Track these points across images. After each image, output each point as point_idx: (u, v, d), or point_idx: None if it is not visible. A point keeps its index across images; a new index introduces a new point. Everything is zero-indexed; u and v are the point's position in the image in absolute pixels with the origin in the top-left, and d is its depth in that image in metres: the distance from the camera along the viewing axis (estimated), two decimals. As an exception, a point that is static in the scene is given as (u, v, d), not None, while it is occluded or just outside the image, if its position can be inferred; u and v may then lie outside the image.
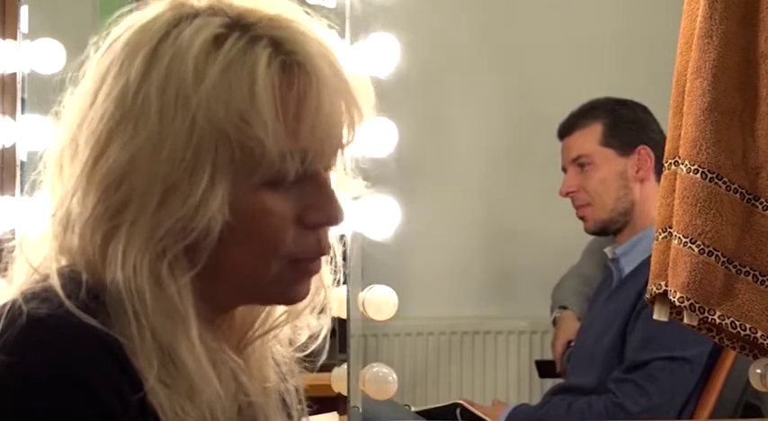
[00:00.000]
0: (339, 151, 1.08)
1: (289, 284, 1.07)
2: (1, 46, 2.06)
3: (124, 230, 1.00)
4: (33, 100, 2.06)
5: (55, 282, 1.00)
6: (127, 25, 1.06)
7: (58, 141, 1.07)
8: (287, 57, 1.02)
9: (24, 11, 2.08)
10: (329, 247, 1.09)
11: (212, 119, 0.99)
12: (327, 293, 1.15)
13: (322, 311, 1.16)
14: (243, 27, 1.03)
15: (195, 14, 1.04)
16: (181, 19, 1.04)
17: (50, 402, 0.94)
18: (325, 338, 1.21)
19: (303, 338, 1.19)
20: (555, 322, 3.30)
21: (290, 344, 1.19)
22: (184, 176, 1.00)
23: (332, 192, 1.07)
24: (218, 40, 1.02)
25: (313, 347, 1.21)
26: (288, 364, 1.19)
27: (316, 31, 1.07)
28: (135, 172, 1.00)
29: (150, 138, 1.00)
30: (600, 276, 3.43)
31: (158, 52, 1.02)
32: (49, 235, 1.05)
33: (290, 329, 1.17)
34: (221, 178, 1.00)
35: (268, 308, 1.14)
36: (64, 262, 1.04)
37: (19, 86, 2.05)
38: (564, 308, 3.31)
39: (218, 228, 1.00)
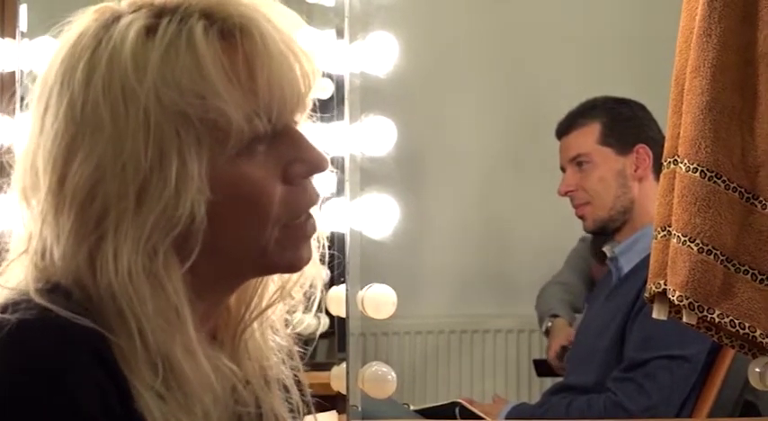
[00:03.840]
0: (302, 102, 1.07)
1: (290, 249, 1.07)
2: (0, 44, 2.06)
3: (110, 238, 1.00)
4: (27, 105, 2.05)
5: (35, 295, 0.99)
6: (58, 47, 1.06)
7: (17, 173, 1.06)
8: (223, 23, 1.02)
9: (23, 9, 2.08)
10: (318, 196, 1.09)
11: (165, 104, 0.99)
12: (315, 271, 1.15)
13: (312, 286, 1.16)
14: (170, 11, 1.03)
15: (120, 15, 1.04)
16: (108, 24, 1.04)
17: (26, 398, 0.93)
18: (306, 329, 1.21)
19: (297, 317, 1.19)
20: (547, 331, 3.32)
21: (286, 324, 1.19)
22: (154, 169, 0.99)
23: (308, 141, 1.07)
24: (150, 30, 1.02)
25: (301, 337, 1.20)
26: (287, 347, 1.19)
27: None
28: (104, 180, 1.00)
29: (109, 142, 1.00)
30: (579, 284, 3.46)
31: (95, 59, 1.02)
32: (28, 266, 1.04)
33: (284, 307, 1.18)
34: (192, 160, 1.00)
35: (261, 287, 1.14)
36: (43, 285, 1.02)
37: (18, 85, 2.05)
38: (555, 316, 3.33)
39: (202, 210, 1.00)
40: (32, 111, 1.06)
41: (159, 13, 1.03)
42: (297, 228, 1.07)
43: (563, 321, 3.33)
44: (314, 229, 1.09)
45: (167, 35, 1.01)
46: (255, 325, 1.15)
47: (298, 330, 1.21)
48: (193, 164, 1.00)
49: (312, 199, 1.08)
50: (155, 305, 0.99)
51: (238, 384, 1.09)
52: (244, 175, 1.03)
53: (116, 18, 1.04)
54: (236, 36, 1.02)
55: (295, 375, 1.19)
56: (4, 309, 0.98)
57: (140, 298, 0.99)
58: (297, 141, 1.06)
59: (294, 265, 1.10)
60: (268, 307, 1.15)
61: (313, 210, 1.09)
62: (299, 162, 1.06)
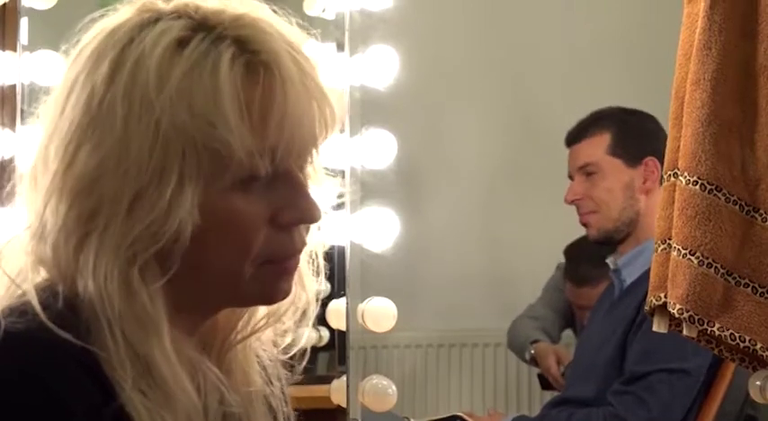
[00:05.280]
0: (312, 150, 1.07)
1: (267, 284, 1.07)
2: (1, 57, 2.06)
3: (95, 237, 1.00)
4: (33, 111, 2.06)
5: (32, 295, 1.00)
6: (95, 32, 1.06)
7: (31, 152, 1.07)
8: (251, 56, 1.02)
9: (24, 22, 2.09)
10: (303, 245, 1.08)
11: (176, 122, 0.99)
12: (310, 297, 1.15)
13: (304, 314, 1.16)
14: (207, 29, 1.03)
15: (158, 18, 1.04)
16: (145, 23, 1.03)
17: (20, 418, 0.94)
18: (306, 342, 1.20)
19: (287, 340, 1.18)
20: (533, 359, 3.34)
21: (275, 345, 1.19)
22: (152, 181, 0.99)
23: (305, 189, 1.07)
24: (181, 43, 1.01)
25: (296, 351, 1.20)
26: (273, 367, 1.19)
27: (282, 30, 1.06)
28: (104, 178, 1.00)
29: (116, 143, 1.00)
30: (553, 317, 3.48)
31: (122, 58, 1.02)
32: (26, 247, 1.05)
33: (273, 332, 1.17)
34: (190, 182, 1.00)
35: (249, 311, 1.14)
36: (42, 273, 1.04)
37: (18, 98, 2.06)
38: (536, 341, 3.34)
39: (188, 233, 1.00)
40: (57, 94, 1.06)
41: (196, 28, 1.03)
42: (277, 264, 1.07)
43: (545, 344, 3.35)
44: (295, 267, 1.09)
45: (195, 54, 1.01)
46: (240, 347, 1.15)
47: (299, 345, 1.20)
48: (190, 185, 1.00)
49: (296, 246, 1.07)
50: (124, 308, 0.99)
51: (226, 393, 1.08)
52: (233, 210, 1.02)
53: (156, 19, 1.04)
54: (259, 73, 1.01)
55: (282, 394, 1.19)
56: (4, 313, 0.99)
57: (111, 300, 0.99)
58: (293, 187, 1.05)
59: (271, 298, 1.10)
60: (254, 332, 1.15)
61: (296, 254, 1.08)
62: (291, 208, 1.05)
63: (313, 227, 1.11)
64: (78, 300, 1.00)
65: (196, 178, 1.00)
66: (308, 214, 1.06)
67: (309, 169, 1.09)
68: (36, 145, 1.06)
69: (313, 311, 1.16)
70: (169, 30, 1.02)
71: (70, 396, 0.95)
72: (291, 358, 1.21)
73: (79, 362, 0.97)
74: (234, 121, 0.99)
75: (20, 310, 0.99)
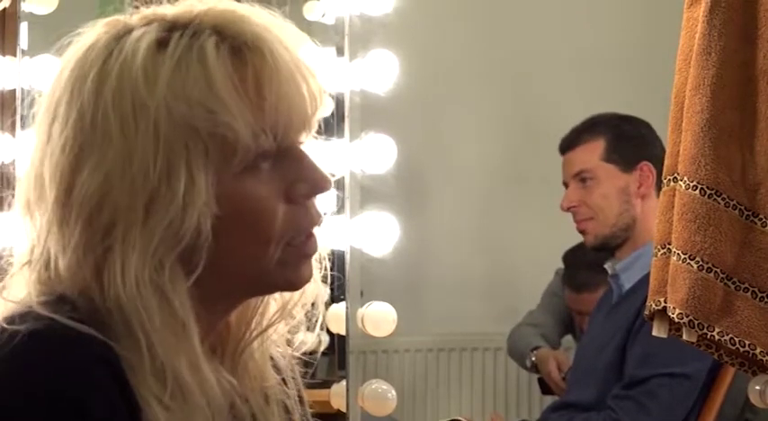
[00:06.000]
0: (309, 125, 1.08)
1: (291, 268, 1.07)
2: (0, 62, 2.06)
3: (117, 250, 1.00)
4: (33, 117, 2.06)
5: (39, 307, 0.99)
6: (67, 58, 1.06)
7: (22, 185, 1.06)
8: (233, 40, 1.03)
9: (24, 27, 2.09)
10: (320, 218, 1.09)
11: (175, 118, 1.00)
12: (320, 289, 1.15)
13: (313, 305, 1.16)
14: (182, 26, 1.04)
15: (131, 29, 1.04)
16: (120, 35, 1.04)
17: (40, 411, 0.93)
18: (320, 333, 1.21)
19: (300, 337, 1.19)
20: (534, 366, 3.34)
21: (288, 344, 1.19)
22: (162, 182, 0.99)
23: (312, 161, 1.07)
24: (161, 44, 1.02)
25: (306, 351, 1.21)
26: (288, 367, 1.19)
27: (257, 13, 1.07)
28: (112, 191, 1.00)
29: (118, 154, 1.00)
30: (552, 323, 3.49)
31: (105, 70, 1.02)
32: (31, 278, 1.04)
33: (286, 327, 1.17)
34: (200, 173, 1.00)
35: (261, 308, 1.14)
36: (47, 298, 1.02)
37: (18, 103, 2.06)
38: (536, 348, 3.35)
39: (208, 225, 1.00)
40: (39, 122, 1.06)
41: (171, 28, 1.03)
42: (298, 247, 1.07)
43: (546, 350, 3.35)
44: (315, 248, 1.10)
45: (179, 49, 1.01)
46: (256, 344, 1.15)
47: (300, 350, 1.21)
48: (201, 178, 1.00)
49: (314, 219, 1.08)
50: (162, 318, 0.99)
51: (237, 399, 1.09)
52: (248, 192, 1.03)
53: (127, 31, 1.04)
54: (246, 53, 1.02)
55: (298, 396, 1.19)
56: (11, 320, 0.98)
57: (148, 310, 0.99)
58: (301, 161, 1.06)
59: (294, 284, 1.10)
60: (269, 326, 1.15)
61: (314, 230, 1.09)
62: (303, 182, 1.06)
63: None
64: (97, 314, 0.99)
65: (205, 169, 1.00)
66: (320, 184, 1.07)
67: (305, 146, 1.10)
68: (24, 179, 1.06)
69: (323, 302, 1.17)
70: (146, 34, 1.03)
71: (95, 400, 0.94)
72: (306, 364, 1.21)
73: (103, 361, 0.96)
74: (233, 104, 1.00)
75: (32, 315, 0.98)
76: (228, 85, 1.01)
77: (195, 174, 1.00)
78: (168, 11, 1.06)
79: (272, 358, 1.18)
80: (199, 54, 1.01)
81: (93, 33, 1.06)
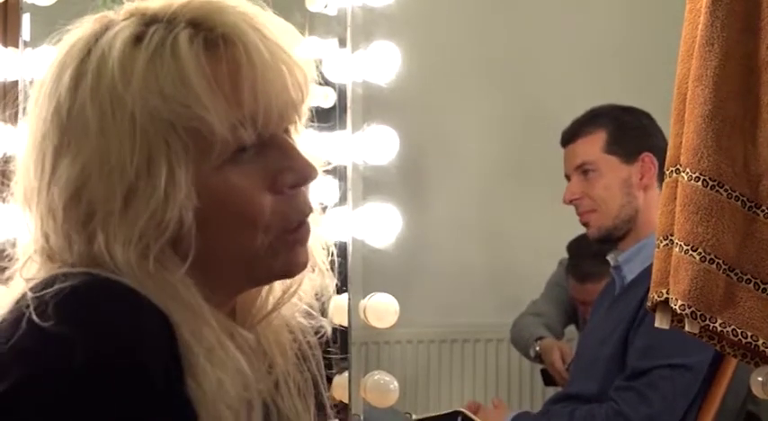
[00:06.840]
0: (293, 114, 1.08)
1: (283, 256, 1.08)
2: (3, 54, 2.06)
3: (99, 238, 1.01)
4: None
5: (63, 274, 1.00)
6: (55, 52, 1.08)
7: (17, 176, 1.08)
8: (208, 32, 1.03)
9: (26, 18, 2.08)
10: (310, 208, 1.09)
11: (151, 112, 1.00)
12: (327, 279, 1.16)
13: (321, 292, 1.18)
14: (159, 20, 1.04)
15: (110, 25, 1.06)
16: (99, 33, 1.05)
17: (100, 366, 0.93)
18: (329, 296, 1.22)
19: (318, 304, 1.20)
20: (538, 356, 3.34)
21: (309, 315, 1.20)
22: (141, 174, 1.00)
23: (296, 151, 1.08)
24: (137, 38, 1.03)
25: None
26: (307, 337, 1.20)
27: (234, 4, 1.07)
28: (89, 182, 1.01)
29: (95, 147, 1.01)
30: (555, 313, 3.49)
31: (83, 65, 1.03)
32: (42, 260, 1.06)
33: (297, 310, 1.18)
34: (179, 167, 1.01)
35: (265, 290, 1.15)
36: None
37: (21, 94, 2.05)
38: (540, 338, 3.35)
39: (190, 216, 1.01)
40: (29, 108, 1.08)
41: (149, 22, 1.05)
42: (289, 234, 1.07)
43: (550, 340, 3.36)
44: (307, 236, 1.10)
45: (153, 43, 1.02)
46: (265, 325, 1.15)
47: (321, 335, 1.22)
48: (181, 171, 1.01)
49: (302, 208, 1.08)
50: (169, 296, 1.00)
51: (252, 357, 1.08)
52: (230, 185, 1.03)
53: (108, 27, 1.06)
54: (220, 46, 1.03)
55: (318, 372, 1.20)
56: (47, 284, 0.98)
57: (145, 289, 0.99)
58: (284, 151, 1.07)
59: (289, 271, 1.10)
60: (275, 309, 1.16)
61: (305, 218, 1.09)
62: (287, 171, 1.06)
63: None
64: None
65: (185, 162, 1.01)
66: (304, 173, 1.07)
67: (294, 135, 1.10)
68: (18, 169, 1.08)
69: (327, 273, 1.17)
70: (123, 30, 1.04)
71: (154, 361, 0.95)
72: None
73: (161, 322, 0.98)
74: (206, 98, 1.01)
75: (69, 272, 0.99)
76: (201, 78, 1.01)
77: (175, 167, 1.01)
78: (150, 5, 1.07)
79: (291, 334, 1.18)
80: (172, 47, 1.02)
81: (81, 29, 1.08)
